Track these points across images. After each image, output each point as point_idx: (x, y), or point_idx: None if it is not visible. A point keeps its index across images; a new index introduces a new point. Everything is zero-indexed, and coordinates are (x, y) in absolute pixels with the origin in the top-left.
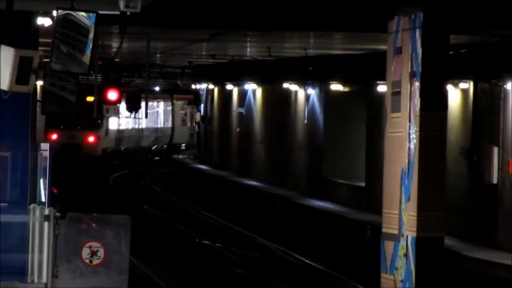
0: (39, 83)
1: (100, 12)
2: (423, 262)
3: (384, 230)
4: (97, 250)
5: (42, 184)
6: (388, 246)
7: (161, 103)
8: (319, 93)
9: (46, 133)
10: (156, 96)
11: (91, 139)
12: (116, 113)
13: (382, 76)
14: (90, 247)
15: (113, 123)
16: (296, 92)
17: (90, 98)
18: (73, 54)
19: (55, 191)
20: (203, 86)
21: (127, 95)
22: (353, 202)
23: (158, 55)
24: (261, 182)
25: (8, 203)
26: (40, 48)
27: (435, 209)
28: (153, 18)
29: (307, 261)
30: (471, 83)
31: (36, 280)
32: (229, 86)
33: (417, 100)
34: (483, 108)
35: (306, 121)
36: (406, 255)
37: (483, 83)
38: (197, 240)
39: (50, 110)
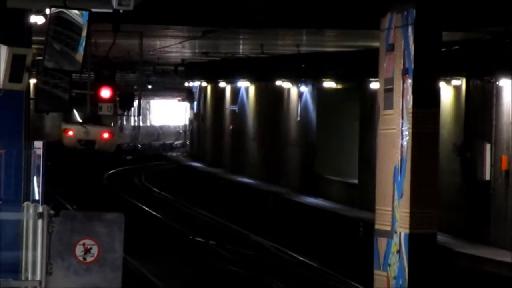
0: (32, 81)
1: (93, 10)
2: (416, 258)
3: (377, 226)
4: (91, 248)
5: (35, 182)
6: (381, 242)
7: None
8: (312, 90)
9: (63, 130)
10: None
11: (106, 135)
12: (110, 110)
13: (375, 73)
14: (83, 244)
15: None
16: (289, 90)
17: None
18: (66, 52)
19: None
20: (196, 83)
21: (120, 93)
22: (346, 199)
23: (151, 53)
24: (254, 179)
25: (2, 201)
26: (33, 46)
27: (428, 206)
28: (146, 16)
29: (300, 258)
30: (464, 80)
31: (30, 277)
32: (222, 84)
33: (409, 97)
34: (475, 105)
35: (299, 119)
36: (399, 251)
37: (476, 80)
38: (190, 237)
39: (43, 108)
